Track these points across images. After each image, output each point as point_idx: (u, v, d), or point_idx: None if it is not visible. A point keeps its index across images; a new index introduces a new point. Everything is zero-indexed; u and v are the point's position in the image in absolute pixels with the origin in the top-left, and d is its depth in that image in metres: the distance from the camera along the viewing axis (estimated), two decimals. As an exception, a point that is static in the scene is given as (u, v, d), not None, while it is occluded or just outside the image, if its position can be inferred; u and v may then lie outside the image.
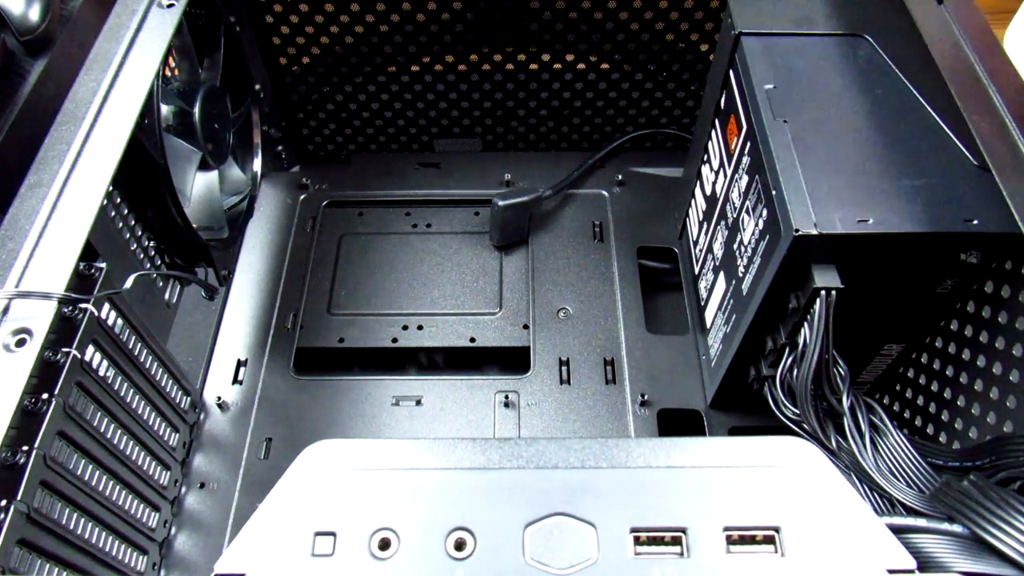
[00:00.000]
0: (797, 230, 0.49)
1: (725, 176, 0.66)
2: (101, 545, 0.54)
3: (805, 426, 0.57)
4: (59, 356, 0.48)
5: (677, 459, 0.38)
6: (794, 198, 0.51)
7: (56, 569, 0.48)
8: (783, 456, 0.38)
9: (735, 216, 0.63)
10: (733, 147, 0.63)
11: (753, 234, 0.58)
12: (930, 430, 0.60)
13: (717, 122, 0.68)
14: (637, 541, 0.35)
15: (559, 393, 0.74)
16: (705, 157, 0.72)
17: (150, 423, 0.62)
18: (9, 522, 0.43)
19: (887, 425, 0.53)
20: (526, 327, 0.79)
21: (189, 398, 0.70)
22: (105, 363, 0.54)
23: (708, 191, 0.72)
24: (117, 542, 0.56)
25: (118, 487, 0.57)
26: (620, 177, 0.91)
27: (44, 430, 0.46)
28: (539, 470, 0.37)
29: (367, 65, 0.83)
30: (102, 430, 0.54)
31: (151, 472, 0.62)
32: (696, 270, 0.78)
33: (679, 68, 0.84)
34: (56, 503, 0.49)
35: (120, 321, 0.56)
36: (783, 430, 0.58)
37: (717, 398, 0.71)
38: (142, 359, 0.60)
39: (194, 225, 0.66)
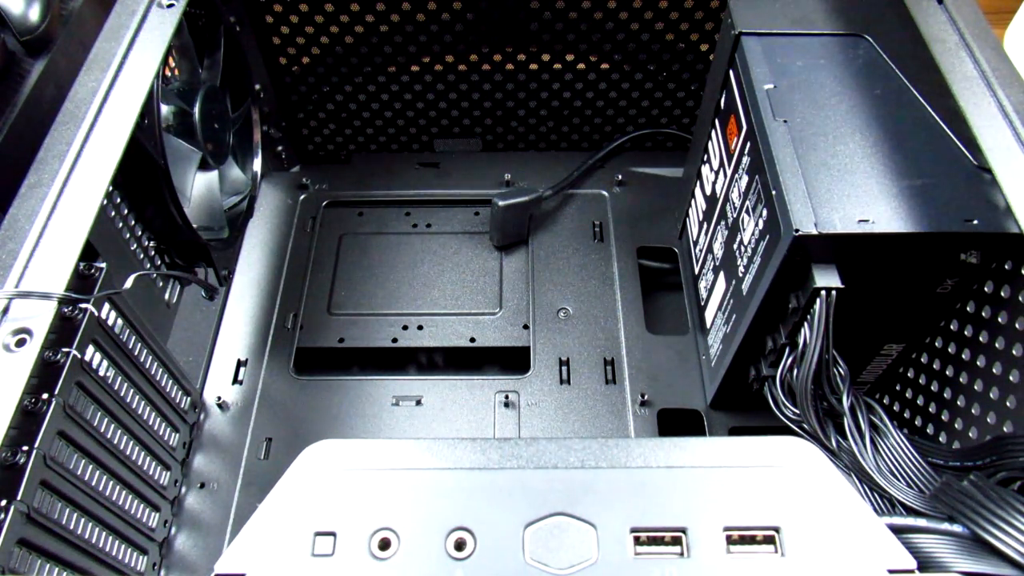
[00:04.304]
0: (797, 230, 0.49)
1: (725, 176, 0.66)
2: (101, 545, 0.54)
3: (805, 426, 0.57)
4: (59, 356, 0.48)
5: (677, 459, 0.38)
6: (794, 198, 0.51)
7: (56, 569, 0.48)
8: (783, 456, 0.38)
9: (735, 216, 0.63)
10: (733, 147, 0.63)
11: (753, 234, 0.58)
12: (930, 430, 0.60)
13: (717, 122, 0.68)
14: (637, 541, 0.35)
15: (559, 393, 0.74)
16: (705, 157, 0.72)
17: (150, 423, 0.62)
18: (9, 522, 0.43)
19: (887, 425, 0.53)
20: (526, 327, 0.79)
21: (189, 398, 0.70)
22: (105, 363, 0.54)
23: (708, 191, 0.72)
24: (117, 542, 0.56)
25: (118, 487, 0.57)
26: (620, 177, 0.91)
27: (44, 430, 0.46)
28: (539, 470, 0.37)
29: (367, 65, 0.83)
30: (102, 430, 0.54)
31: (151, 472, 0.62)
32: (696, 270, 0.78)
33: (679, 68, 0.84)
34: (56, 503, 0.48)
35: (120, 321, 0.56)
36: (783, 430, 0.58)
37: (717, 398, 0.71)
38: (142, 359, 0.60)
39: (194, 225, 0.66)
